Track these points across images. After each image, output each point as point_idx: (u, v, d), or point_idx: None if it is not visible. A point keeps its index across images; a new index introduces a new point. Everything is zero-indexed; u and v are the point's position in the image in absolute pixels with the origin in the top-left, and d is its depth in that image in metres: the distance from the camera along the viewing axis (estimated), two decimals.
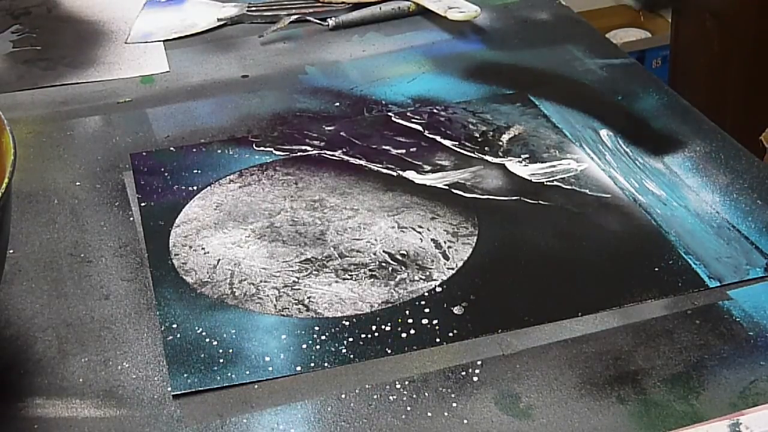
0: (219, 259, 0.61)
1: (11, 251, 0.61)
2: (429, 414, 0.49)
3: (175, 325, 0.55)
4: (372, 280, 0.58)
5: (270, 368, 0.52)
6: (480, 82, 0.80)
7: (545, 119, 0.74)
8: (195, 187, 0.67)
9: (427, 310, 0.56)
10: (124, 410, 0.50)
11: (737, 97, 1.10)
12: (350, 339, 0.54)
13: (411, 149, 0.71)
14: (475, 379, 0.51)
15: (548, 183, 0.67)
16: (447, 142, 0.72)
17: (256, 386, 0.51)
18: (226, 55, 0.87)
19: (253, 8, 0.93)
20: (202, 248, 0.62)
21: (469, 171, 0.68)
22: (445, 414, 0.49)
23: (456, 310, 0.56)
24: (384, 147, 0.71)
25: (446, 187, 0.67)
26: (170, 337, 0.54)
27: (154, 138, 0.74)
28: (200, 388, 0.51)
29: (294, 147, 0.72)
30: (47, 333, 0.55)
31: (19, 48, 0.89)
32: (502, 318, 0.55)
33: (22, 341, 0.55)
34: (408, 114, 0.76)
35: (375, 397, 0.51)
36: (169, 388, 0.51)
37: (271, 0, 0.95)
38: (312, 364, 0.52)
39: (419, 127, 0.74)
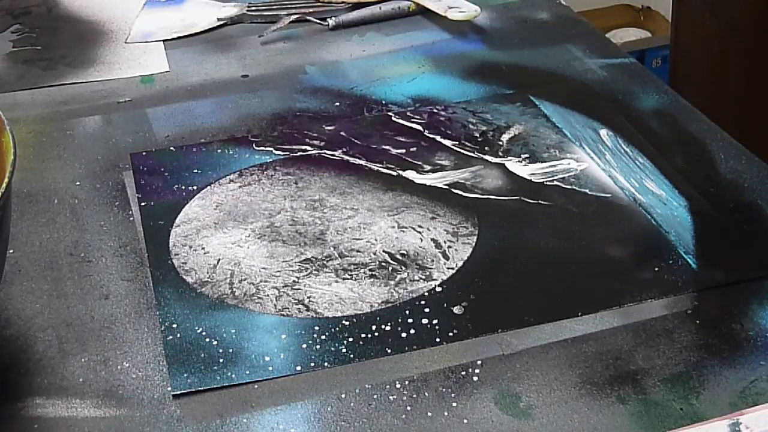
0: (219, 259, 0.61)
1: (11, 251, 0.61)
2: (429, 414, 0.49)
3: (175, 325, 0.55)
4: (372, 279, 0.58)
5: (270, 368, 0.52)
6: (480, 82, 0.80)
7: (545, 119, 0.74)
8: (195, 187, 0.67)
9: (427, 310, 0.56)
10: (124, 410, 0.50)
11: (737, 97, 1.10)
12: (350, 339, 0.54)
13: (411, 149, 0.71)
14: (475, 378, 0.51)
15: (548, 183, 0.67)
16: (447, 142, 0.72)
17: (256, 386, 0.51)
18: (226, 55, 0.87)
19: (253, 8, 0.93)
20: (202, 248, 0.62)
21: (469, 171, 0.68)
22: (445, 414, 0.49)
23: (456, 309, 0.56)
24: (384, 147, 0.71)
25: (446, 187, 0.67)
26: (170, 337, 0.54)
27: (154, 138, 0.74)
28: (200, 388, 0.51)
29: (294, 147, 0.72)
30: (47, 333, 0.55)
31: (19, 48, 0.89)
32: (502, 318, 0.55)
33: (22, 341, 0.55)
34: (408, 114, 0.76)
35: (375, 397, 0.51)
36: (169, 388, 0.51)
37: (271, 0, 0.95)
38: (312, 364, 0.53)
39: (419, 127, 0.74)
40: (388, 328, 0.55)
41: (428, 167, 0.69)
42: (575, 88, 0.79)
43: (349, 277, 0.59)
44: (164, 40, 0.89)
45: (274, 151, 0.71)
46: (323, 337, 0.54)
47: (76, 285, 0.59)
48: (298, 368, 0.52)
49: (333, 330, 0.55)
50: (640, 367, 0.52)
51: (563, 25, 0.90)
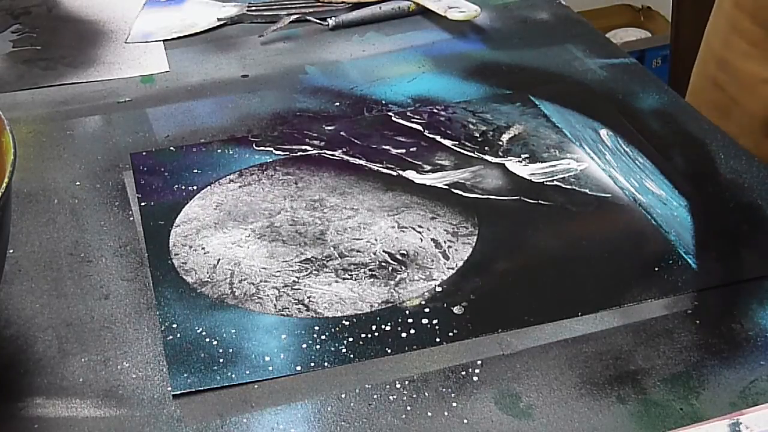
0: (219, 259, 0.61)
1: (11, 251, 0.61)
2: (429, 414, 0.49)
3: (175, 325, 0.55)
4: (372, 279, 0.58)
5: (270, 368, 0.52)
6: (480, 82, 0.80)
7: (545, 119, 0.74)
8: (195, 187, 0.67)
9: (427, 310, 0.56)
10: (124, 410, 0.50)
11: None
12: (350, 339, 0.54)
13: (411, 149, 0.71)
14: (475, 378, 0.51)
15: (548, 183, 0.67)
16: (447, 142, 0.72)
17: (256, 386, 0.51)
18: (226, 55, 0.87)
19: (253, 8, 0.93)
20: (202, 248, 0.62)
21: (469, 171, 0.68)
22: (445, 414, 0.49)
23: (456, 310, 0.56)
24: (384, 147, 0.71)
25: (446, 187, 0.67)
26: (170, 337, 0.54)
27: (154, 138, 0.74)
28: (200, 388, 0.51)
29: (294, 147, 0.72)
30: (47, 333, 0.55)
31: (19, 48, 0.89)
32: (502, 318, 0.55)
33: (22, 341, 0.55)
34: (408, 114, 0.76)
35: (375, 397, 0.51)
36: (169, 388, 0.51)
37: (271, 0, 0.95)
38: (312, 364, 0.53)
39: (419, 127, 0.74)
40: (388, 328, 0.55)
41: (428, 167, 0.69)
42: (575, 88, 0.79)
43: (349, 277, 0.59)
44: (164, 40, 0.89)
45: (274, 151, 0.71)
46: (323, 337, 0.54)
47: (76, 285, 0.59)
48: (298, 368, 0.52)
49: (333, 330, 0.55)
50: (640, 367, 0.52)
51: (563, 25, 0.90)
